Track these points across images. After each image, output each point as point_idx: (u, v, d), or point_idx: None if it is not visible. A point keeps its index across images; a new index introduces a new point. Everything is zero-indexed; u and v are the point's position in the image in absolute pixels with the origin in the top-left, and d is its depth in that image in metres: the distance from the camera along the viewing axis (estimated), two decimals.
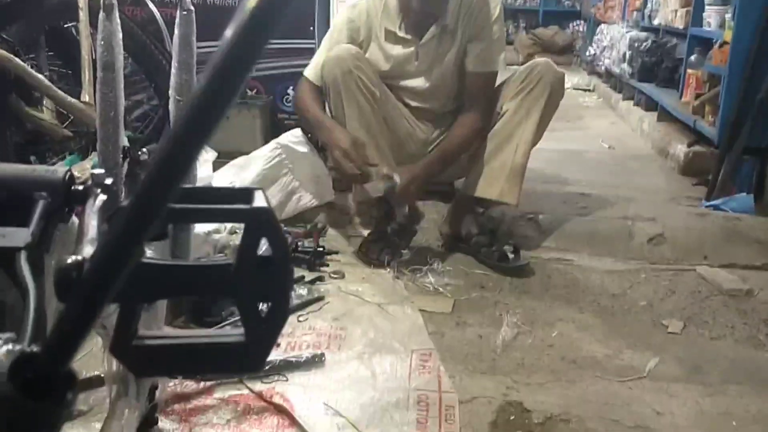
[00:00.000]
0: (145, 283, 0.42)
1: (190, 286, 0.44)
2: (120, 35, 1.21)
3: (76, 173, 0.67)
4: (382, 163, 2.13)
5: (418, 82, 2.26)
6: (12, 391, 0.26)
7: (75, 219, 0.63)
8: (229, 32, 0.26)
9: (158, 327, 1.20)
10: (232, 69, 0.24)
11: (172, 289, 0.45)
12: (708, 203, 2.74)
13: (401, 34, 2.20)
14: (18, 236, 0.53)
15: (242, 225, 0.43)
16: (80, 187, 0.58)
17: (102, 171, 0.59)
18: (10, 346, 0.40)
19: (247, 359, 0.43)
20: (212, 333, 0.43)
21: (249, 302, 0.43)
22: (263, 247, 0.44)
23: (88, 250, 0.46)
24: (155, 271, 0.43)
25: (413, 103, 2.29)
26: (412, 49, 2.21)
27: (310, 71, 2.24)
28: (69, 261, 0.41)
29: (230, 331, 0.43)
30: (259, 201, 0.43)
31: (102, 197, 0.56)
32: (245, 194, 0.44)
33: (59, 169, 0.59)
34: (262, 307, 0.45)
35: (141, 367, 0.44)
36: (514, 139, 2.15)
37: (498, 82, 2.26)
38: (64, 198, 0.58)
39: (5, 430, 0.27)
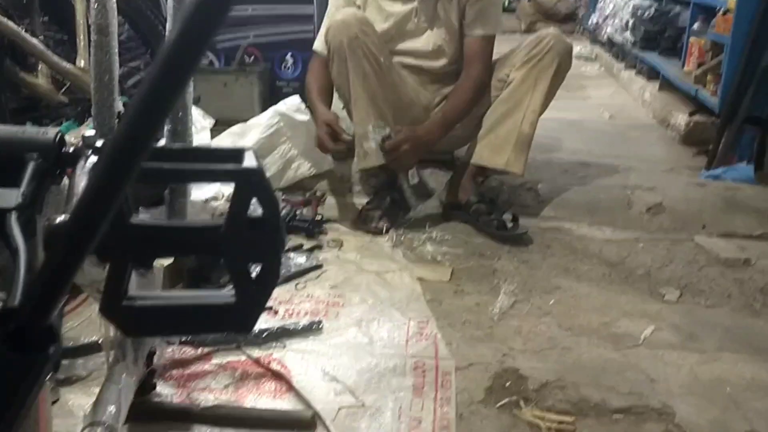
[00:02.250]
0: (134, 243, 0.42)
1: (179, 246, 0.44)
2: None
3: (72, 140, 0.66)
4: (386, 126, 2.12)
5: (419, 42, 2.24)
6: None
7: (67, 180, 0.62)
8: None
9: (142, 291, 1.20)
10: (199, 25, 0.24)
11: (162, 250, 0.44)
12: (708, 173, 2.72)
13: None
14: (9, 197, 0.52)
15: None
16: (71, 149, 0.57)
17: (93, 132, 0.58)
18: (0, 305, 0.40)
19: (237, 320, 0.42)
20: (202, 294, 0.43)
21: (239, 263, 0.42)
22: (257, 208, 0.44)
23: None
24: (145, 232, 0.42)
25: (414, 62, 2.27)
26: (411, 5, 2.19)
27: (318, 43, 2.22)
28: (58, 220, 0.41)
29: (220, 292, 0.43)
30: (249, 161, 0.43)
31: (93, 158, 0.55)
32: (235, 155, 0.44)
33: (50, 131, 0.58)
34: (255, 268, 0.44)
35: (131, 328, 0.44)
36: (521, 108, 2.14)
37: (496, 48, 2.24)
38: (56, 159, 0.57)
39: None
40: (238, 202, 0.42)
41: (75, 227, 0.25)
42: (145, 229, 0.43)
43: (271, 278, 0.43)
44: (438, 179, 2.43)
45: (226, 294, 0.43)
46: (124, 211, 0.40)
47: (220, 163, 0.43)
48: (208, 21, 0.24)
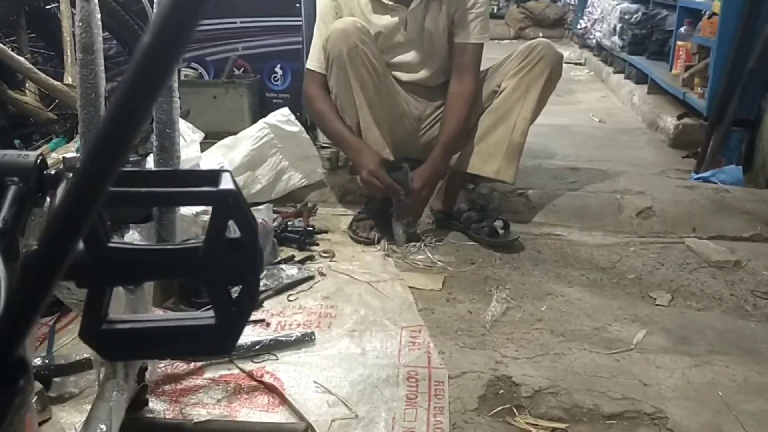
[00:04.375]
0: (113, 266, 0.42)
1: (158, 269, 0.44)
2: (98, 15, 1.20)
3: (59, 157, 0.66)
4: (383, 140, 2.13)
5: (409, 55, 2.24)
6: None
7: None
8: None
9: (146, 309, 1.20)
10: (161, 50, 0.24)
11: (141, 273, 0.45)
12: (697, 175, 2.74)
13: (387, 1, 2.17)
14: None
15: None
16: (52, 172, 0.57)
17: (74, 155, 0.58)
18: None
19: (217, 342, 0.43)
20: (182, 316, 0.43)
21: (218, 285, 0.43)
22: (234, 229, 0.44)
23: None
24: (123, 255, 0.42)
25: (405, 77, 2.27)
26: (399, 17, 2.19)
27: (313, 61, 2.20)
28: (35, 247, 0.41)
29: (200, 314, 0.43)
30: (225, 183, 0.43)
31: None
32: (212, 177, 0.44)
33: (30, 154, 0.58)
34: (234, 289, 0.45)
35: (111, 351, 0.44)
36: (512, 117, 2.15)
37: (487, 54, 2.25)
38: (37, 182, 0.57)
39: None
40: (216, 224, 0.42)
41: (41, 257, 0.25)
42: (123, 253, 0.43)
43: (250, 299, 0.44)
44: None
45: (205, 315, 0.43)
46: (101, 236, 0.40)
47: (197, 186, 0.43)
48: (169, 47, 0.24)
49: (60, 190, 0.54)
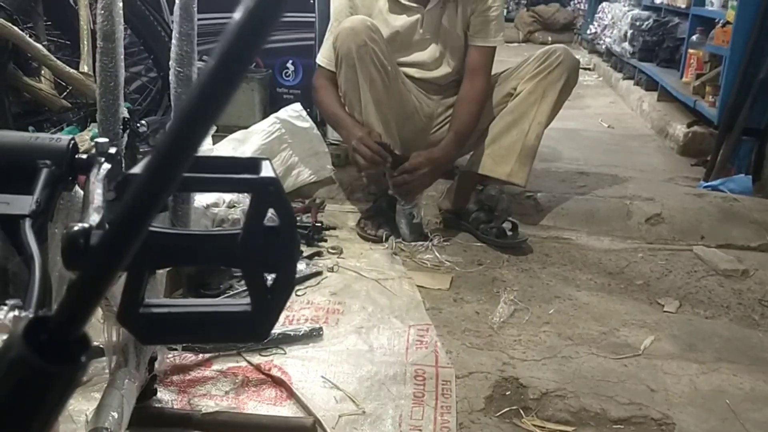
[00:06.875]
0: (152, 251, 0.42)
1: (197, 254, 0.44)
2: (120, 4, 1.20)
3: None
4: (388, 138, 2.13)
5: (425, 54, 2.24)
6: (28, 353, 0.26)
7: (78, 188, 0.62)
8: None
9: (157, 298, 1.20)
10: (251, 35, 0.24)
11: (180, 258, 0.45)
12: (706, 184, 2.74)
13: (405, 1, 2.18)
14: (22, 204, 0.53)
15: (242, 199, 0.43)
16: (84, 156, 0.58)
17: (106, 140, 0.58)
18: (16, 312, 0.40)
19: (253, 329, 0.43)
20: (219, 302, 0.43)
21: (255, 272, 0.43)
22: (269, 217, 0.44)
23: (94, 218, 0.46)
24: (163, 239, 0.43)
25: (418, 74, 2.28)
26: (417, 16, 2.19)
27: (323, 57, 2.21)
28: (76, 228, 0.41)
29: (237, 301, 0.43)
30: (266, 171, 0.43)
31: (106, 166, 0.56)
32: (252, 164, 0.44)
33: (63, 138, 0.58)
34: (268, 277, 0.45)
35: (148, 335, 0.44)
36: (527, 120, 2.15)
37: (498, 56, 2.25)
38: (68, 166, 0.57)
39: (21, 393, 0.27)
40: (255, 211, 0.42)
41: (114, 239, 0.25)
42: (162, 237, 0.43)
43: (286, 287, 0.44)
44: (437, 187, 2.43)
45: (242, 302, 0.43)
46: None
47: (236, 173, 0.44)
48: (262, 27, 0.24)
49: (93, 174, 0.54)
